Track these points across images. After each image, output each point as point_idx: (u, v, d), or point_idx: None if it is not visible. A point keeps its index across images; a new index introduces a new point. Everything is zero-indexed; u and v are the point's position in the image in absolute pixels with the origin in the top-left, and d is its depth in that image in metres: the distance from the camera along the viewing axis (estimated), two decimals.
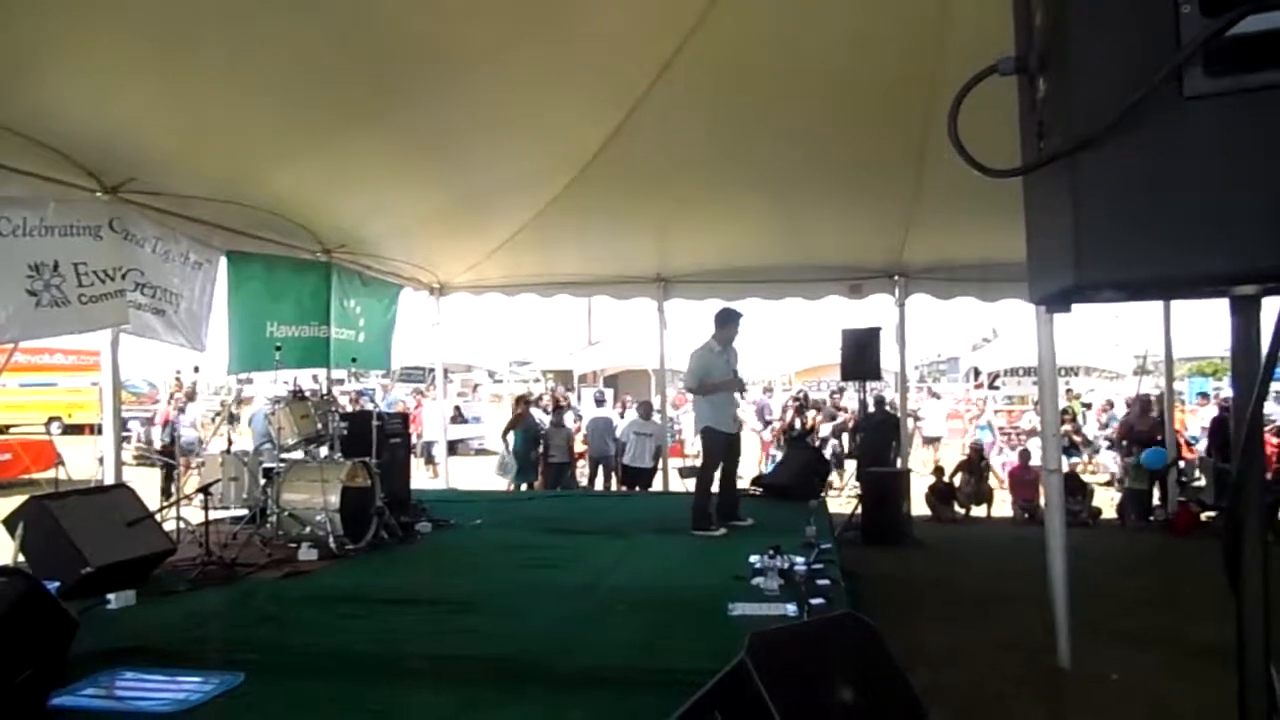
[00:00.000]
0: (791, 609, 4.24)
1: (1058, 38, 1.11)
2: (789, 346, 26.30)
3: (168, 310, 5.98)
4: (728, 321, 6.87)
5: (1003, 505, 11.20)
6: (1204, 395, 14.02)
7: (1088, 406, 17.10)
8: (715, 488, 6.86)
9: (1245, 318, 1.15)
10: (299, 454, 6.44)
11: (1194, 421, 12.83)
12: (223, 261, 6.66)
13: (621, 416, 12.01)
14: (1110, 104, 1.02)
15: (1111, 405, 16.50)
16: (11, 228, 4.72)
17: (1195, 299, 1.26)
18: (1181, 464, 10.47)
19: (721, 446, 6.82)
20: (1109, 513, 10.51)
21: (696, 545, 6.25)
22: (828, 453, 12.81)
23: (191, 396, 12.50)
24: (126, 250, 5.54)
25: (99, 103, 4.60)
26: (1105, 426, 15.06)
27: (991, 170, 1.21)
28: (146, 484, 10.40)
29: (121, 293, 5.45)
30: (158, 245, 5.88)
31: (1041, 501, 8.21)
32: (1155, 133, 1.02)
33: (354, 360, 8.79)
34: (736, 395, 7.30)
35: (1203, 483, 10.52)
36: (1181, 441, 11.14)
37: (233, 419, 13.42)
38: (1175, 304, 9.54)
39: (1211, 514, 9.56)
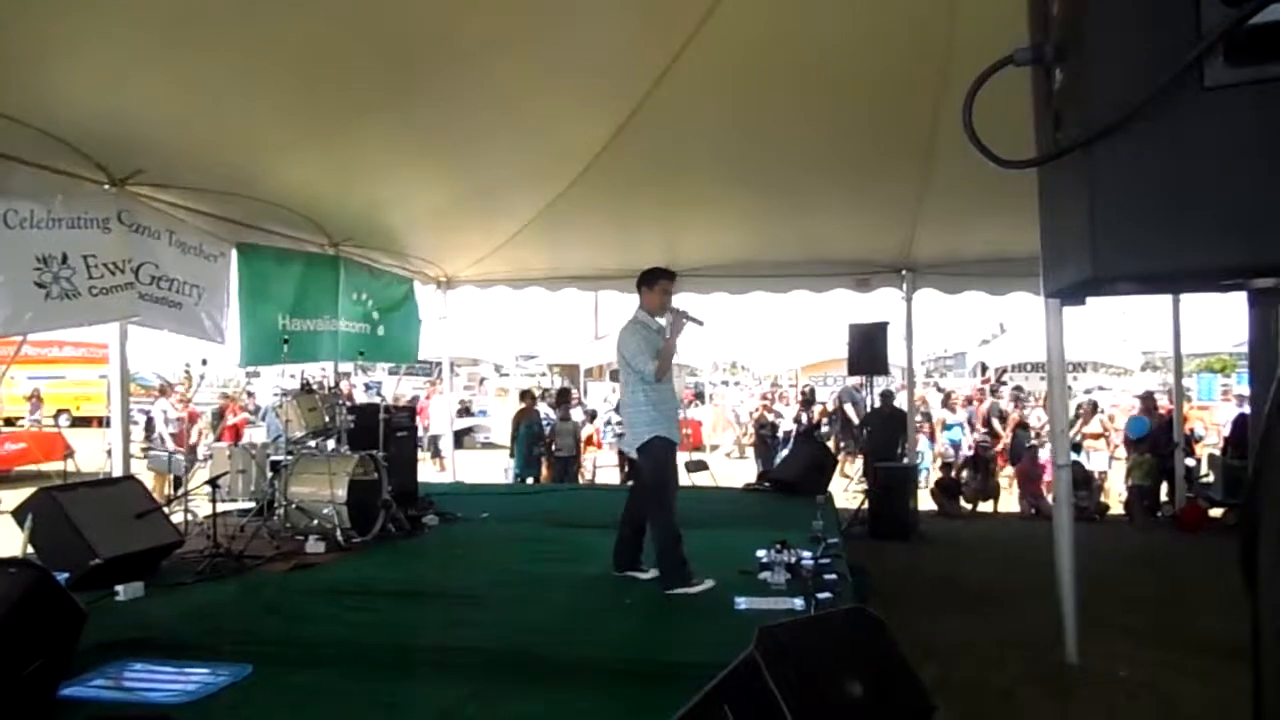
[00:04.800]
0: (798, 603, 4.25)
1: (1076, 27, 1.09)
2: (795, 340, 26.27)
3: (185, 303, 5.95)
4: (656, 281, 5.59)
5: (1010, 500, 11.19)
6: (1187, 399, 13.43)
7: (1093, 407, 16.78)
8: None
9: (1263, 311, 1.13)
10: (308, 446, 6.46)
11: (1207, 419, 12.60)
12: (233, 254, 6.65)
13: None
14: (1129, 94, 1.01)
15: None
16: (19, 220, 4.71)
17: (1212, 292, 1.24)
18: (1191, 461, 10.43)
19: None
20: (1116, 509, 10.48)
21: (703, 540, 6.20)
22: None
23: (165, 392, 12.31)
24: (138, 242, 5.53)
25: (107, 93, 4.57)
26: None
27: (1006, 161, 1.20)
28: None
29: (130, 285, 5.45)
30: (173, 238, 5.87)
31: (1049, 497, 8.18)
32: (1175, 123, 1.01)
33: (361, 353, 8.75)
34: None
35: (1211, 479, 10.50)
36: (1190, 438, 11.09)
37: (257, 411, 13.52)
38: (1184, 299, 9.50)
39: (1219, 511, 9.54)
